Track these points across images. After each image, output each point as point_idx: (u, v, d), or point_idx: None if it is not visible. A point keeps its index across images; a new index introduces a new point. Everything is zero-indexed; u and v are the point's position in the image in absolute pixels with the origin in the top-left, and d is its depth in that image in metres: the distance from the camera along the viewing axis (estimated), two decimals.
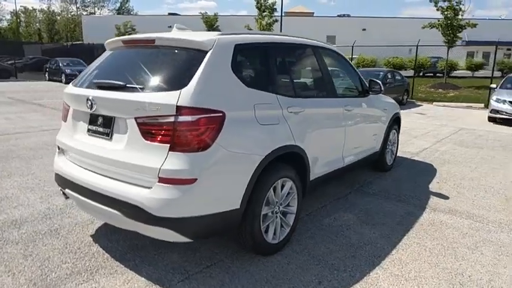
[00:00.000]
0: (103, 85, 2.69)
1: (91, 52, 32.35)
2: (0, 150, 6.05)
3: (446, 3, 19.24)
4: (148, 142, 2.40)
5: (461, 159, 6.41)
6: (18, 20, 65.80)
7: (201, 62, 2.50)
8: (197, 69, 2.47)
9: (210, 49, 2.57)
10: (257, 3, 27.54)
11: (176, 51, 2.69)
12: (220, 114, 2.44)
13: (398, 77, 14.68)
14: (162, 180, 2.34)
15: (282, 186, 3.02)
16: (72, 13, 70.05)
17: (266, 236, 2.91)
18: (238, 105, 2.63)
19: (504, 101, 10.31)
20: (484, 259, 3.08)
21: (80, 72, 16.57)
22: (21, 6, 72.27)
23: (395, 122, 5.42)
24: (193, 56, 2.58)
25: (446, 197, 4.49)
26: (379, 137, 4.96)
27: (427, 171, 5.63)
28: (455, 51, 22.56)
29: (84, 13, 66.86)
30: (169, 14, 52.49)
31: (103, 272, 2.74)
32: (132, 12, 70.28)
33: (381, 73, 13.84)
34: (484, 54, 33.17)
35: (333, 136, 3.79)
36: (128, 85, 2.56)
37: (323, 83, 3.75)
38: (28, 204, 3.91)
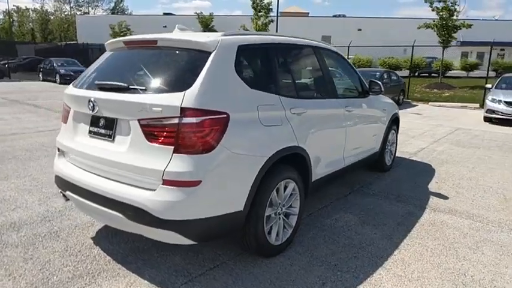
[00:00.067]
0: (105, 86, 2.66)
1: (85, 52, 32.23)
2: None
3: (442, 4, 19.37)
4: (152, 144, 2.38)
5: (458, 159, 6.44)
6: (11, 19, 65.25)
7: (205, 63, 2.49)
8: (201, 70, 2.45)
9: (214, 50, 2.55)
10: (253, 3, 27.55)
11: (179, 52, 2.67)
12: (225, 115, 2.43)
13: (394, 77, 14.73)
14: (166, 182, 2.32)
15: (285, 188, 3.02)
16: (65, 13, 69.70)
17: (269, 237, 2.90)
18: (242, 106, 2.62)
19: (500, 101, 10.39)
20: (485, 259, 3.09)
21: (74, 72, 16.42)
22: (14, 5, 71.70)
23: (394, 123, 5.44)
24: (196, 57, 2.56)
25: (445, 197, 4.51)
26: (379, 138, 4.97)
27: (425, 171, 5.65)
28: (450, 51, 22.71)
29: (78, 13, 66.51)
30: (164, 14, 52.36)
31: (105, 275, 2.72)
32: (126, 12, 69.99)
33: (377, 73, 13.88)
34: (478, 55, 33.40)
35: (334, 137, 3.79)
36: (130, 86, 2.54)
37: (324, 83, 3.75)
38: (26, 207, 3.87)
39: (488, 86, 12.27)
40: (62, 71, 20.90)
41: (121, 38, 3.01)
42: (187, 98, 2.31)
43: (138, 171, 2.42)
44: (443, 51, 20.67)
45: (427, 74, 28.33)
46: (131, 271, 2.77)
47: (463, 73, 27.76)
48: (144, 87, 2.54)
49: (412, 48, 17.82)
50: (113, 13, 66.84)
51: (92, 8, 71.60)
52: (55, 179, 3.12)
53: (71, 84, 3.16)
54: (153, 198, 2.34)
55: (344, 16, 47.19)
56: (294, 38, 3.53)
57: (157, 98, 2.38)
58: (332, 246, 3.24)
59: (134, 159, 2.43)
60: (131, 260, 2.92)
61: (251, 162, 2.61)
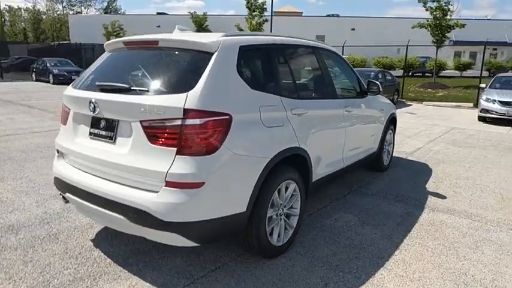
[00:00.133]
0: (106, 87, 2.64)
1: (78, 52, 31.97)
2: None
3: (435, 4, 19.49)
4: (155, 146, 2.36)
5: (454, 158, 6.49)
6: (3, 19, 64.56)
7: (207, 64, 2.47)
8: (203, 71, 2.44)
9: (216, 51, 2.54)
10: (247, 2, 27.51)
11: (181, 52, 2.65)
12: (227, 117, 2.42)
13: (389, 77, 14.80)
14: (169, 184, 2.30)
15: (286, 189, 3.01)
16: (58, 12, 69.12)
17: (271, 238, 2.90)
18: (244, 107, 2.61)
19: (494, 101, 10.48)
20: (485, 258, 3.11)
21: (68, 72, 16.32)
22: (5, 5, 70.93)
23: (391, 122, 5.46)
24: (198, 57, 2.54)
25: (443, 197, 4.54)
26: (377, 137, 4.99)
27: (422, 171, 5.69)
28: (444, 51, 22.88)
29: (71, 12, 65.98)
30: (158, 13, 52.16)
31: (106, 277, 2.69)
32: (119, 12, 69.54)
33: (372, 73, 13.93)
34: (470, 54, 33.74)
35: (334, 137, 3.79)
36: (132, 88, 2.52)
37: (324, 84, 3.75)
38: (24, 209, 3.82)
39: (482, 85, 12.37)
40: (55, 71, 20.71)
41: (121, 39, 2.98)
42: (190, 99, 2.30)
43: (140, 173, 2.40)
44: (437, 50, 20.81)
45: (421, 74, 28.52)
46: (132, 273, 2.75)
47: (457, 73, 27.98)
48: (146, 89, 2.52)
49: (407, 48, 17.92)
50: (105, 13, 66.41)
51: (85, 8, 71.16)
52: (54, 181, 3.09)
53: (70, 85, 3.13)
54: (156, 200, 2.32)
55: (338, 16, 47.36)
56: (294, 38, 3.52)
57: (160, 99, 2.36)
58: (333, 246, 3.25)
59: (136, 161, 2.41)
60: (132, 262, 2.90)
61: (253, 163, 2.60)
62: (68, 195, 2.90)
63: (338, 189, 4.65)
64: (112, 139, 2.60)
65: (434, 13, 19.64)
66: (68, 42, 43.02)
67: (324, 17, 47.57)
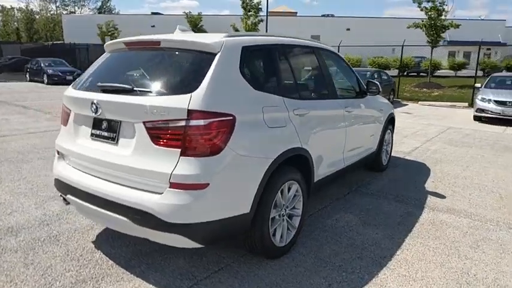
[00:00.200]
0: (108, 88, 2.62)
1: (72, 52, 31.76)
2: None
3: (430, 4, 19.60)
4: (158, 147, 2.34)
5: (452, 158, 6.52)
6: None
7: (210, 64, 2.46)
8: (206, 72, 2.42)
9: (219, 51, 2.53)
10: (243, 2, 27.49)
11: (183, 53, 2.64)
12: (231, 117, 2.41)
13: (384, 77, 14.86)
14: (173, 185, 2.29)
15: (289, 189, 3.01)
16: (51, 12, 68.60)
17: (274, 239, 2.89)
18: (248, 108, 2.60)
19: (489, 100, 10.56)
20: (486, 258, 3.13)
21: (62, 72, 16.24)
22: None
23: (390, 122, 5.48)
24: (201, 58, 2.53)
25: (443, 196, 4.56)
26: (376, 137, 5.01)
27: (421, 170, 5.71)
28: (438, 51, 23.04)
29: (64, 12, 65.52)
30: (152, 13, 51.93)
31: (109, 279, 2.67)
32: (113, 12, 69.14)
33: (368, 73, 13.98)
34: (464, 54, 33.96)
35: (335, 137, 3.80)
36: (135, 88, 2.50)
37: (325, 84, 3.76)
38: (23, 211, 3.79)
39: (478, 85, 12.47)
40: (50, 71, 20.55)
41: (122, 39, 2.96)
42: (194, 100, 2.29)
43: (143, 174, 2.38)
44: (431, 50, 20.93)
45: (416, 74, 28.66)
46: (135, 275, 2.73)
47: (451, 72, 28.15)
48: (148, 89, 2.51)
49: (402, 48, 18.01)
50: (99, 12, 66.04)
51: (78, 8, 70.66)
52: (55, 182, 3.06)
53: (70, 85, 3.10)
54: (160, 202, 2.31)
55: (333, 16, 47.47)
56: (295, 38, 3.53)
57: (164, 100, 2.35)
58: (335, 246, 3.25)
59: (140, 162, 2.39)
60: (134, 263, 2.88)
61: (257, 164, 2.60)
62: (69, 196, 2.88)
63: (338, 189, 4.66)
64: (114, 140, 2.58)
65: (429, 13, 19.76)
66: (62, 42, 42.73)
67: (319, 17, 47.66)
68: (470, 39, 27.64)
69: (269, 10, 26.73)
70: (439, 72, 26.93)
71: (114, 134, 2.58)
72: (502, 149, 7.34)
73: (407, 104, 15.65)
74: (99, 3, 71.59)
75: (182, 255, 3.00)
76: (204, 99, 2.30)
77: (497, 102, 10.43)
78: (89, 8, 71.11)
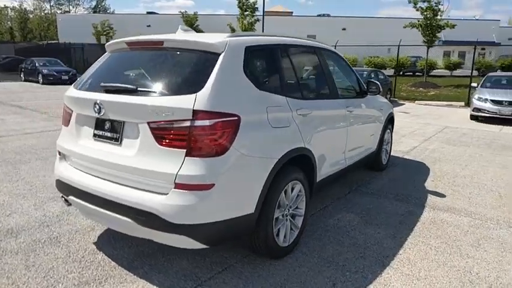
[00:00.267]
0: (112, 89, 2.59)
1: (67, 51, 31.58)
2: None
3: (426, 4, 19.68)
4: (163, 147, 2.33)
5: (450, 157, 6.55)
6: None
7: (214, 64, 2.45)
8: (211, 72, 2.41)
9: (223, 51, 2.52)
10: (239, 2, 27.48)
11: (187, 53, 2.63)
12: (236, 118, 2.40)
13: (381, 77, 14.89)
14: (178, 186, 2.28)
15: (292, 189, 3.01)
16: (45, 11, 68.14)
17: (278, 239, 2.89)
18: (252, 108, 2.59)
19: (486, 100, 10.62)
20: (488, 256, 3.14)
21: (57, 72, 16.14)
22: None
23: (389, 122, 5.50)
24: (205, 58, 2.52)
25: (442, 195, 4.58)
26: (376, 137, 5.02)
27: (420, 169, 5.73)
28: (433, 50, 23.14)
29: (59, 11, 65.12)
30: (148, 12, 51.75)
31: (112, 281, 2.65)
32: (108, 11, 68.82)
33: (365, 72, 14.01)
34: (459, 54, 34.16)
35: (337, 137, 3.80)
36: (139, 88, 2.48)
37: (327, 84, 3.76)
38: (22, 212, 3.75)
39: (474, 84, 12.53)
40: (45, 71, 20.39)
41: (124, 39, 2.94)
42: (199, 100, 2.27)
43: (148, 175, 2.37)
44: (427, 50, 21.02)
45: (412, 73, 28.78)
46: (139, 276, 2.71)
47: (447, 72, 28.29)
48: (153, 90, 2.49)
49: (398, 47, 18.07)
50: (94, 12, 65.70)
51: (73, 7, 70.27)
52: (56, 184, 3.03)
53: (71, 86, 3.08)
54: (165, 203, 2.29)
55: (328, 15, 47.57)
56: (297, 38, 3.52)
57: (168, 101, 2.33)
58: (337, 246, 3.25)
59: (144, 162, 2.38)
60: (137, 265, 2.86)
61: (262, 164, 2.59)
62: (71, 197, 2.85)
63: (339, 189, 4.66)
64: (118, 141, 2.56)
65: (425, 13, 19.84)
66: (57, 41, 42.46)
67: (314, 16, 47.75)
68: (465, 39, 27.82)
69: (265, 10, 26.70)
70: (434, 72, 27.04)
71: (118, 135, 2.56)
72: (500, 148, 7.39)
73: (404, 104, 15.71)
74: (94, 3, 71.49)
75: (185, 256, 2.98)
76: (209, 100, 2.29)
77: (494, 102, 10.49)
78: (83, 8, 70.89)
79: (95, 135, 2.71)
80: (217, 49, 2.52)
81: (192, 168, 2.26)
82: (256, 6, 27.57)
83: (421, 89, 19.83)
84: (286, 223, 2.99)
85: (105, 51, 3.15)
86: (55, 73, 20.32)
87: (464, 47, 31.12)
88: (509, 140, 8.24)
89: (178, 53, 2.68)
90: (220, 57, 2.49)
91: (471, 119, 11.12)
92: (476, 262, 3.04)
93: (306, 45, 3.65)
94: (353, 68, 4.63)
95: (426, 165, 5.94)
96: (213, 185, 2.30)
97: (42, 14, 67.74)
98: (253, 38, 2.94)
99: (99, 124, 2.67)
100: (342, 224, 3.69)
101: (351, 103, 4.09)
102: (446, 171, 5.65)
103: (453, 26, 19.55)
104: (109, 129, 2.61)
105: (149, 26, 42.31)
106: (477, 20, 44.16)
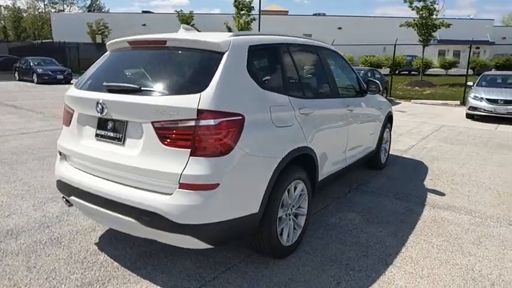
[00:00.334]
0: (115, 88, 2.57)
1: (62, 51, 31.36)
2: None
3: (421, 3, 19.75)
4: (167, 147, 2.31)
5: (448, 155, 6.59)
6: None
7: (218, 64, 2.44)
8: (215, 71, 2.40)
9: (226, 50, 2.50)
10: (235, 1, 27.43)
11: (190, 52, 2.61)
12: (240, 117, 2.39)
13: (378, 76, 14.94)
14: (183, 186, 2.26)
15: (295, 188, 3.00)
16: (39, 10, 67.66)
17: (281, 238, 2.88)
18: (256, 107, 2.59)
19: (481, 99, 10.69)
20: (489, 254, 3.16)
21: (52, 71, 16.06)
22: None
23: (388, 121, 5.52)
24: (209, 57, 2.51)
25: (442, 194, 4.60)
26: (376, 136, 5.03)
27: (418, 168, 5.75)
28: (428, 49, 23.22)
29: (53, 10, 64.69)
30: (143, 11, 51.54)
31: (115, 282, 2.64)
32: (103, 10, 68.45)
33: (361, 72, 14.03)
34: (454, 53, 34.32)
35: (338, 136, 3.80)
36: (142, 88, 2.47)
37: (328, 83, 3.76)
38: (21, 213, 3.72)
39: (470, 83, 12.62)
40: (40, 71, 20.23)
41: (125, 38, 2.91)
42: (203, 99, 2.26)
43: (152, 175, 2.35)
44: (423, 49, 21.11)
45: (407, 72, 28.88)
46: (142, 277, 2.70)
47: (442, 71, 28.42)
48: (156, 89, 2.48)
49: (394, 46, 18.13)
50: (89, 11, 65.34)
51: (67, 6, 69.87)
52: (57, 184, 3.00)
53: (72, 85, 3.05)
54: (170, 203, 2.28)
55: (324, 15, 47.64)
56: (299, 38, 3.52)
57: (173, 100, 2.31)
58: (340, 245, 3.25)
59: (148, 162, 2.36)
60: (140, 265, 2.85)
61: (266, 163, 2.58)
62: (72, 198, 2.83)
63: (339, 188, 4.67)
64: (121, 140, 2.54)
65: (421, 12, 19.92)
66: (51, 40, 42.16)
67: (310, 16, 47.80)
68: (460, 38, 28.00)
69: (262, 9, 26.70)
70: (430, 71, 27.18)
71: (121, 135, 2.54)
72: (496, 147, 7.44)
73: (400, 103, 15.77)
74: (88, 2, 71.07)
75: (188, 256, 2.97)
76: (213, 99, 2.28)
77: (489, 100, 10.57)
78: (78, 6, 70.55)
79: (97, 135, 2.69)
80: (221, 48, 2.51)
81: (196, 168, 2.25)
82: (252, 5, 27.54)
83: (416, 88, 19.92)
84: (289, 222, 2.99)
85: (101, 51, 3.12)
86: (50, 72, 20.17)
87: (459, 46, 31.28)
88: (505, 139, 8.30)
89: (181, 52, 2.66)
90: (224, 57, 2.48)
91: (467, 117, 11.19)
92: (478, 260, 3.06)
93: (307, 45, 3.65)
94: (353, 67, 4.64)
95: (424, 164, 5.97)
96: (218, 184, 2.29)
97: (36, 13, 67.24)
98: (256, 37, 2.93)
99: (102, 124, 2.65)
100: (344, 223, 3.70)
101: (351, 102, 4.10)
102: (444, 169, 5.68)
103: (448, 25, 19.67)
104: (112, 129, 2.59)
105: (144, 25, 42.14)
106: (471, 19, 44.46)
